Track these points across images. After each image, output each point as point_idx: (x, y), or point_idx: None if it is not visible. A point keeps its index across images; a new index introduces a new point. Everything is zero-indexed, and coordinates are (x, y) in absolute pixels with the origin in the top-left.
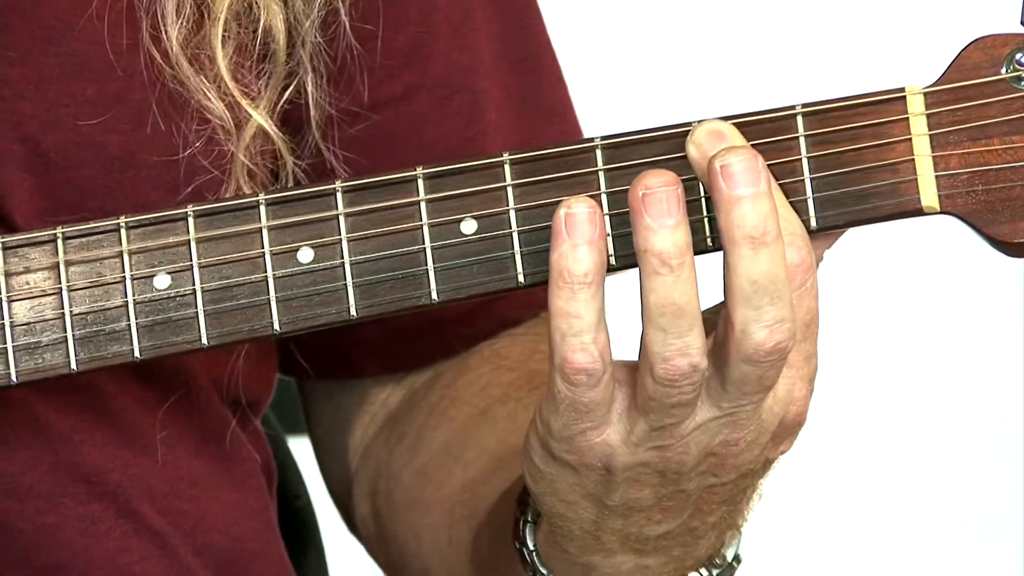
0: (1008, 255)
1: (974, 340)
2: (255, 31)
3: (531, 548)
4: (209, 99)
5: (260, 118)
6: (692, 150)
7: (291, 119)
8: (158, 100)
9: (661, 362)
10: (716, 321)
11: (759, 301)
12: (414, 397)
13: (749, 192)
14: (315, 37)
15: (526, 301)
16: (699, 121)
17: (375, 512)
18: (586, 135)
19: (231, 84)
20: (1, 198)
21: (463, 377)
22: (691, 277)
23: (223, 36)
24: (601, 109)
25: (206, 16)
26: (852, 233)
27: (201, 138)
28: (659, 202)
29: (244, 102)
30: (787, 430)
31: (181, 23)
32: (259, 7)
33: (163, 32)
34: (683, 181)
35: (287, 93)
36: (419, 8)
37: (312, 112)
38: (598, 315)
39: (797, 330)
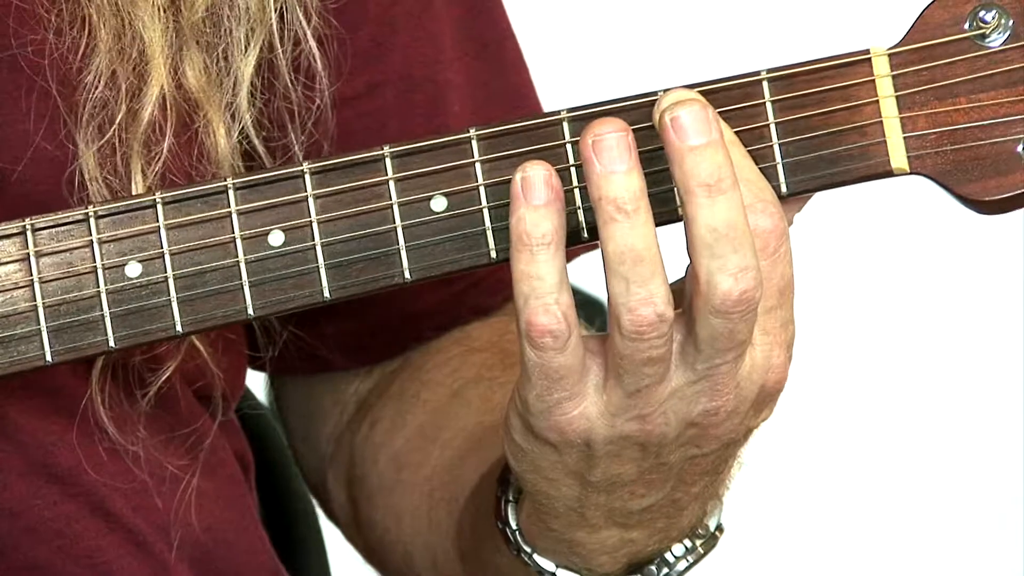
0: (979, 213)
1: (975, 336)
2: (196, 147)
3: (514, 527)
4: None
5: None
6: (658, 119)
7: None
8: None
9: (626, 312)
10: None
11: (721, 250)
12: (384, 383)
13: (700, 142)
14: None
15: (496, 289)
16: (665, 90)
17: (351, 499)
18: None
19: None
20: None
21: (433, 360)
22: (648, 222)
23: (144, 144)
24: (564, 82)
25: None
26: (856, 229)
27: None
28: (609, 148)
29: None
30: (767, 397)
31: (94, 131)
32: (201, 128)
33: (77, 135)
34: (651, 151)
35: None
36: (377, 2)
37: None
38: (559, 276)
39: (772, 296)
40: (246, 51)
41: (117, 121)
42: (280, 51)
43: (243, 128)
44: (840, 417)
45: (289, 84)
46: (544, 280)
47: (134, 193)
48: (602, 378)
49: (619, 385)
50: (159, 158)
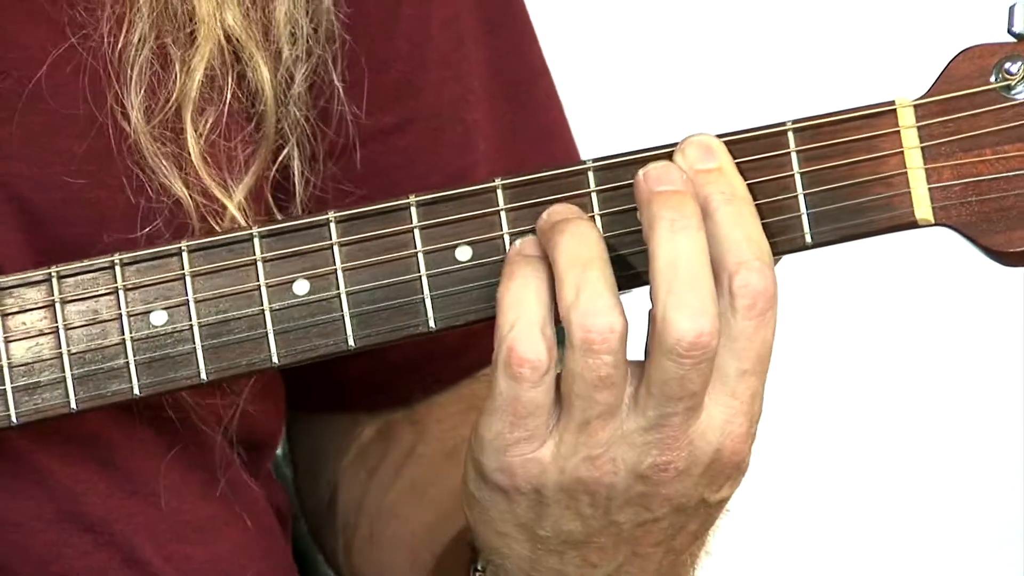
0: (1004, 264)
1: (975, 342)
2: (243, 91)
3: None
4: (171, 182)
5: (235, 210)
6: (679, 159)
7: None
8: (137, 161)
9: (578, 318)
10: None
11: (678, 287)
12: (386, 432)
13: (669, 188)
14: (302, 108)
15: None
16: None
17: (346, 547)
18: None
19: (203, 172)
20: None
21: (433, 414)
22: (595, 231)
23: (198, 102)
24: (593, 129)
25: (178, 81)
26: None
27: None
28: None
29: (217, 191)
30: (724, 468)
31: (144, 90)
32: (247, 66)
33: (128, 99)
34: None
35: (277, 162)
36: (409, 39)
37: (298, 189)
38: (547, 311)
39: (750, 359)
40: None
41: (169, 80)
42: None
43: (290, 71)
44: (840, 418)
45: (332, 19)
46: (532, 307)
47: (191, 149)
48: (557, 417)
49: (570, 417)
50: (211, 113)
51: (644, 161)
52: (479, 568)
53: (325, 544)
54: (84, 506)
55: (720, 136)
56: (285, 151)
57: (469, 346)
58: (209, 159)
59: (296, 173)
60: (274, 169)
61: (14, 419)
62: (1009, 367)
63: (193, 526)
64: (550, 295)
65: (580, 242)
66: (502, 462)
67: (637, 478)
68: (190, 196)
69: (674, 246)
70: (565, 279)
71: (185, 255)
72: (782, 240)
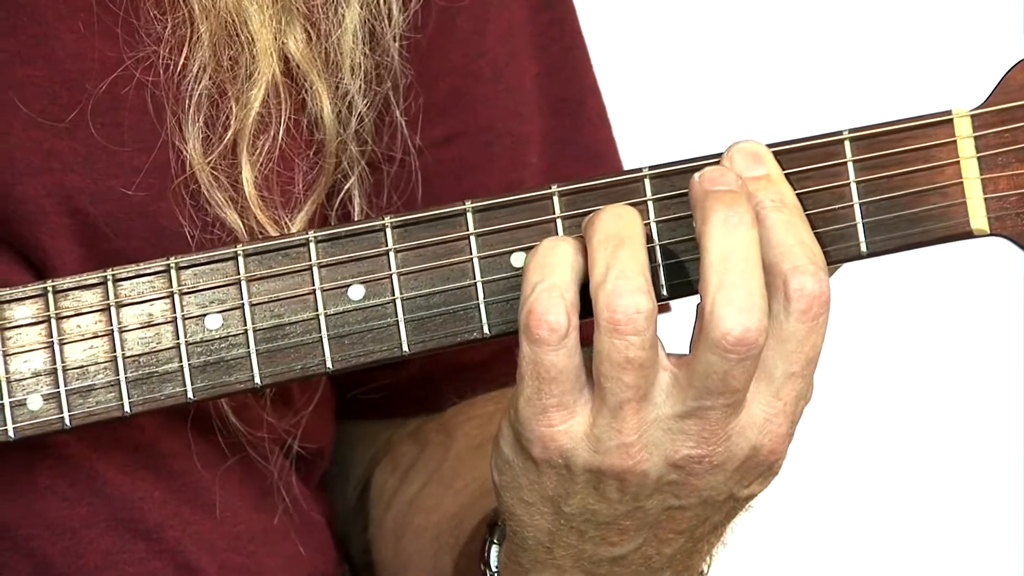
0: None
1: (975, 339)
2: (303, 122)
3: (493, 570)
4: (225, 214)
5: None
6: (725, 166)
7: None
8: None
9: (603, 298)
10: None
11: (730, 281)
12: (417, 435)
13: (724, 188)
14: (366, 141)
15: None
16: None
17: (370, 543)
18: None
19: (255, 206)
20: (52, 270)
21: (465, 413)
22: (635, 216)
23: (254, 133)
24: (644, 141)
25: (234, 114)
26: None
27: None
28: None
29: (270, 226)
30: (759, 465)
31: (202, 120)
32: (307, 95)
33: (186, 129)
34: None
35: (340, 195)
36: (462, 52)
37: (356, 216)
38: (572, 275)
39: (799, 362)
40: (344, 20)
41: (225, 113)
42: (384, 20)
43: (350, 101)
44: (841, 417)
45: (393, 54)
46: (556, 271)
47: (244, 183)
48: (589, 398)
49: (603, 401)
50: (265, 146)
51: (700, 168)
52: (495, 540)
53: (350, 545)
54: (140, 513)
55: (777, 145)
56: (347, 186)
57: (503, 358)
58: (265, 191)
59: (357, 209)
60: (336, 203)
61: (67, 422)
62: (1009, 367)
63: (247, 537)
64: (582, 265)
65: (616, 221)
66: (535, 432)
67: (671, 467)
68: (244, 228)
69: (727, 241)
70: (596, 256)
71: (241, 259)
72: (837, 249)
